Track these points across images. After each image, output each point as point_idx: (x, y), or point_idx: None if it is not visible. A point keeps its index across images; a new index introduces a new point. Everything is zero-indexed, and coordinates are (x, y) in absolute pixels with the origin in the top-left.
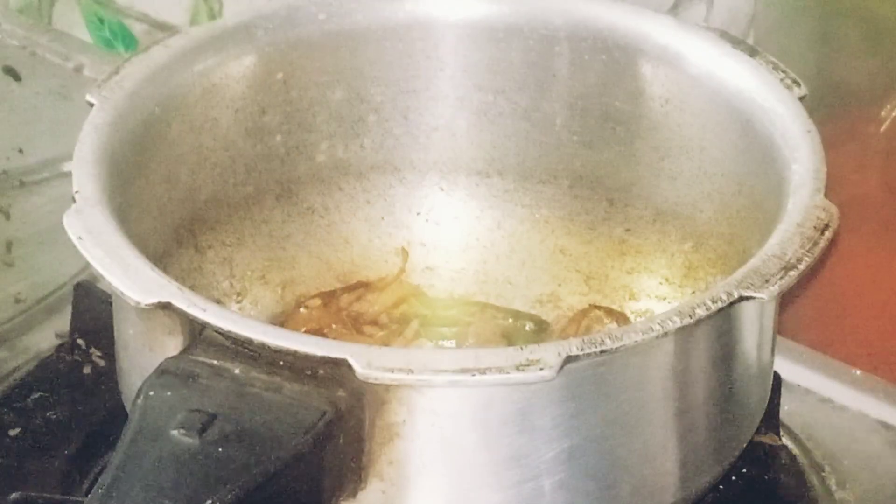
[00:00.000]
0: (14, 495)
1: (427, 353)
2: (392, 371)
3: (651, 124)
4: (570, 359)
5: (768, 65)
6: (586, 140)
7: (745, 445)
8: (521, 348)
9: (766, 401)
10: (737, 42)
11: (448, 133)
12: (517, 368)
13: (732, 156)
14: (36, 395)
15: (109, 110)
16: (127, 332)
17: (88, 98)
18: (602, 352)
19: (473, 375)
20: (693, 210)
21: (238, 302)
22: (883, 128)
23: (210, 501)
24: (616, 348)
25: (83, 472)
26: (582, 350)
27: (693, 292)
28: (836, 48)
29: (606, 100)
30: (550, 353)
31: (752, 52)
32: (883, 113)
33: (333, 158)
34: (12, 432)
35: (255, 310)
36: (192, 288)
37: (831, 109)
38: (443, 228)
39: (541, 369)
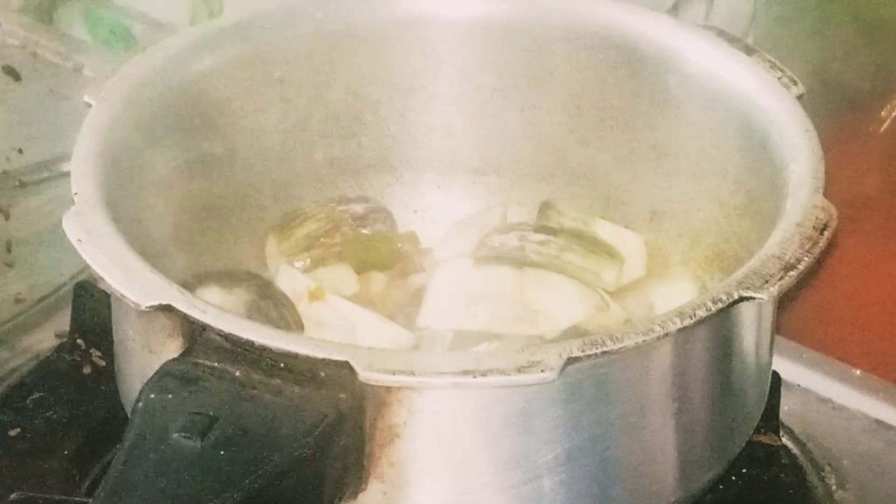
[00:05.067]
0: (14, 495)
1: (428, 355)
2: (393, 373)
3: (648, 123)
4: (571, 360)
5: (765, 63)
6: (583, 138)
7: (743, 445)
8: (523, 350)
9: (765, 400)
10: (733, 40)
11: (445, 131)
12: (518, 370)
13: (730, 155)
14: (36, 395)
15: (108, 111)
16: (127, 335)
17: (86, 98)
18: (603, 353)
19: (475, 378)
20: (690, 209)
21: None
22: (883, 128)
23: None
24: (617, 349)
25: (83, 472)
26: (583, 351)
27: None
28: (836, 48)
29: (603, 98)
30: (552, 355)
31: (749, 51)
32: (883, 113)
33: (331, 157)
34: (12, 432)
35: None
36: None
37: (831, 109)
38: (440, 227)
39: (542, 371)
